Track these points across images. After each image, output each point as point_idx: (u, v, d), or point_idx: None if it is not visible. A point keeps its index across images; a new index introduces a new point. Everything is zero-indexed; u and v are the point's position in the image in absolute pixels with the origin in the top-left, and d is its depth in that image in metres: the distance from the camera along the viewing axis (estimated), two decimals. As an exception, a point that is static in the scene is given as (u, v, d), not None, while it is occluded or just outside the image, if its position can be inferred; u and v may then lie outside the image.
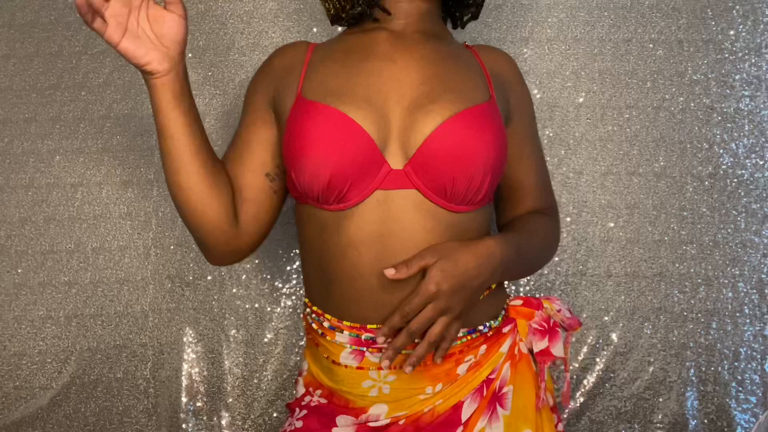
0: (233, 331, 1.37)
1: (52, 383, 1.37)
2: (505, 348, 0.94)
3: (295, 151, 0.86)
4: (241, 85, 1.36)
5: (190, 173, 0.85)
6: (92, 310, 1.37)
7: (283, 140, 0.90)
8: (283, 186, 0.96)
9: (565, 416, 1.34)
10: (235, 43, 1.37)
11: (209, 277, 1.37)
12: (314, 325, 0.94)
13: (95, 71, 1.38)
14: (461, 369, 0.91)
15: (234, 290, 1.37)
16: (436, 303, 0.81)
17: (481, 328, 0.92)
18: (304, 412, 0.94)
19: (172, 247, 1.37)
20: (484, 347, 0.92)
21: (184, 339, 1.37)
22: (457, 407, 0.90)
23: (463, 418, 0.90)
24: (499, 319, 0.95)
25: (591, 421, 1.34)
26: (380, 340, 0.84)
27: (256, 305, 1.37)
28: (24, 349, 1.37)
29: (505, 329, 0.95)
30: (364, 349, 0.89)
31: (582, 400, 1.34)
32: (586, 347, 1.35)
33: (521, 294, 1.35)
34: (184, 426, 1.36)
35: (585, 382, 1.34)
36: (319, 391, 0.95)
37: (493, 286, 0.94)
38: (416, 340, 0.85)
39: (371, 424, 0.90)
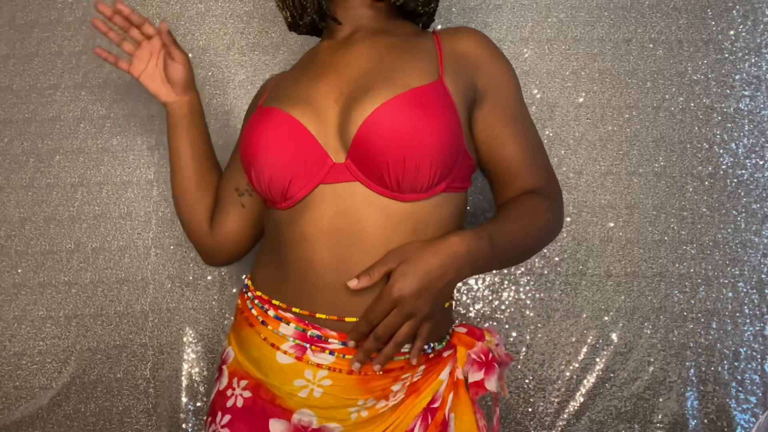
0: (233, 331, 1.37)
1: (52, 383, 1.37)
2: (444, 375, 0.93)
3: (246, 152, 0.91)
4: (241, 85, 1.36)
5: (185, 179, 1.05)
6: (92, 310, 1.37)
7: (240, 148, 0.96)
8: (254, 204, 1.02)
9: (564, 416, 1.34)
10: (235, 43, 1.37)
11: (209, 277, 1.37)
12: (254, 311, 0.93)
13: (95, 71, 1.38)
14: (395, 387, 0.90)
15: (234, 290, 1.37)
16: (400, 308, 0.80)
17: (425, 348, 0.90)
18: (228, 417, 0.91)
19: (172, 247, 1.37)
20: (422, 368, 0.91)
21: (184, 339, 1.37)
22: None
23: None
24: (443, 342, 0.94)
25: (591, 421, 1.34)
26: (351, 344, 0.83)
27: (256, 305, 1.37)
28: (24, 349, 1.37)
29: (446, 353, 0.94)
30: (307, 345, 0.87)
31: (582, 400, 1.34)
32: (586, 347, 1.35)
33: (521, 296, 1.35)
34: (184, 426, 1.36)
35: (585, 382, 1.34)
36: (244, 382, 0.92)
37: (447, 305, 0.93)
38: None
39: (305, 425, 0.88)
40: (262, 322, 0.91)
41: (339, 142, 0.86)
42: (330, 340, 0.87)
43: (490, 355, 0.94)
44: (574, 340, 1.35)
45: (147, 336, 1.37)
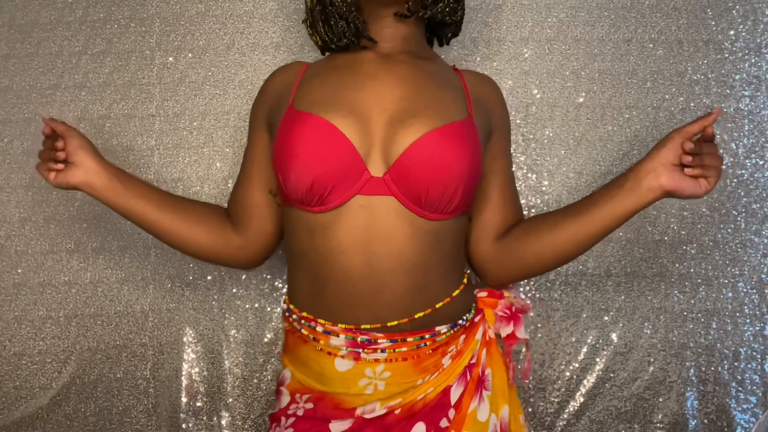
0: (233, 331, 1.37)
1: (52, 383, 1.37)
2: (479, 335, 1.03)
3: (283, 156, 0.93)
4: (241, 85, 1.36)
5: (169, 231, 1.05)
6: (92, 310, 1.37)
7: (273, 147, 0.98)
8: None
9: (565, 415, 1.34)
10: (235, 43, 1.37)
11: (209, 277, 1.37)
12: (304, 331, 0.98)
13: (95, 71, 1.38)
14: (445, 360, 0.98)
15: (234, 290, 1.37)
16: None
17: (460, 322, 1.01)
18: (292, 419, 0.97)
19: (172, 247, 1.37)
20: (463, 337, 1.01)
21: (184, 339, 1.37)
22: (446, 392, 0.97)
23: (452, 401, 0.97)
24: (472, 311, 1.04)
25: (591, 421, 1.34)
26: (690, 147, 0.90)
27: (256, 305, 1.37)
28: (24, 349, 1.37)
29: (477, 318, 1.04)
30: (360, 350, 0.94)
31: (582, 400, 1.34)
32: (586, 347, 1.35)
33: (521, 296, 1.35)
34: (184, 426, 1.36)
35: (585, 382, 1.34)
36: (306, 396, 0.98)
37: (465, 281, 1.04)
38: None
39: (367, 416, 0.94)
40: (314, 339, 0.96)
41: (380, 157, 0.92)
42: (379, 341, 0.94)
43: (513, 308, 1.06)
44: (574, 340, 1.35)
45: (147, 336, 1.37)
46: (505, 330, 1.04)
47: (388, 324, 0.94)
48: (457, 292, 1.01)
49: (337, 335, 0.94)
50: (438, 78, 1.00)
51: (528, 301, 1.11)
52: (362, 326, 0.94)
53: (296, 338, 1.01)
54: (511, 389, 1.06)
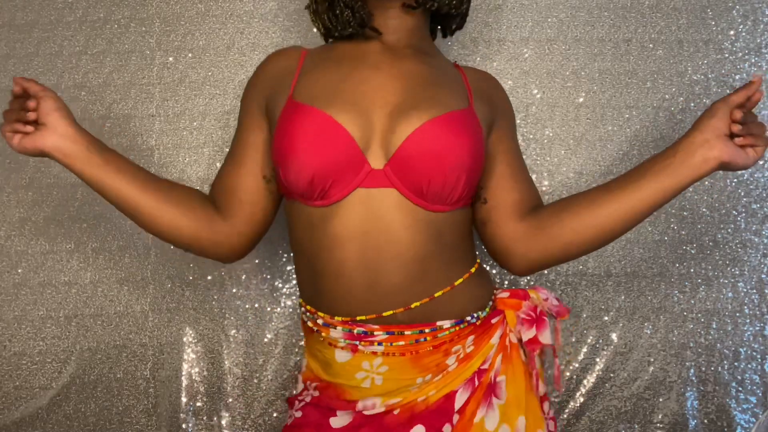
0: (233, 331, 1.37)
1: (52, 383, 1.37)
2: (495, 339, 0.97)
3: (283, 150, 0.91)
4: (241, 85, 1.36)
5: (149, 213, 0.96)
6: (92, 310, 1.37)
7: (273, 140, 0.95)
8: (275, 189, 1.01)
9: (564, 415, 1.34)
10: (235, 43, 1.37)
11: (209, 277, 1.37)
12: (309, 323, 0.99)
13: (95, 71, 1.38)
14: (450, 360, 0.95)
15: (234, 290, 1.37)
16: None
17: (468, 318, 0.96)
18: (303, 403, 0.99)
19: (172, 247, 1.37)
20: (471, 338, 0.96)
21: (184, 339, 1.37)
22: (450, 396, 0.94)
23: (456, 406, 0.94)
24: (486, 309, 0.99)
25: (591, 421, 1.34)
26: (740, 116, 0.88)
27: (256, 305, 1.37)
28: (24, 349, 1.37)
29: (494, 320, 0.98)
30: (357, 342, 0.93)
31: (582, 400, 1.34)
32: (586, 347, 1.35)
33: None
34: (184, 426, 1.36)
35: (585, 382, 1.34)
36: (315, 384, 0.99)
37: (473, 270, 0.99)
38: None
39: (367, 412, 0.94)
40: (317, 331, 0.97)
41: (380, 149, 0.91)
42: (375, 333, 0.92)
43: (539, 309, 0.99)
44: (574, 340, 1.35)
45: (147, 336, 1.37)
46: (527, 334, 0.98)
47: (384, 314, 0.92)
48: (459, 281, 0.95)
49: (335, 327, 0.94)
50: (439, 72, 0.99)
51: (559, 304, 1.02)
52: (358, 318, 0.92)
53: (307, 329, 1.01)
54: (531, 400, 0.98)
